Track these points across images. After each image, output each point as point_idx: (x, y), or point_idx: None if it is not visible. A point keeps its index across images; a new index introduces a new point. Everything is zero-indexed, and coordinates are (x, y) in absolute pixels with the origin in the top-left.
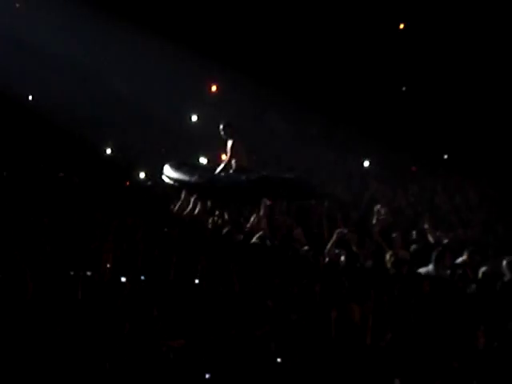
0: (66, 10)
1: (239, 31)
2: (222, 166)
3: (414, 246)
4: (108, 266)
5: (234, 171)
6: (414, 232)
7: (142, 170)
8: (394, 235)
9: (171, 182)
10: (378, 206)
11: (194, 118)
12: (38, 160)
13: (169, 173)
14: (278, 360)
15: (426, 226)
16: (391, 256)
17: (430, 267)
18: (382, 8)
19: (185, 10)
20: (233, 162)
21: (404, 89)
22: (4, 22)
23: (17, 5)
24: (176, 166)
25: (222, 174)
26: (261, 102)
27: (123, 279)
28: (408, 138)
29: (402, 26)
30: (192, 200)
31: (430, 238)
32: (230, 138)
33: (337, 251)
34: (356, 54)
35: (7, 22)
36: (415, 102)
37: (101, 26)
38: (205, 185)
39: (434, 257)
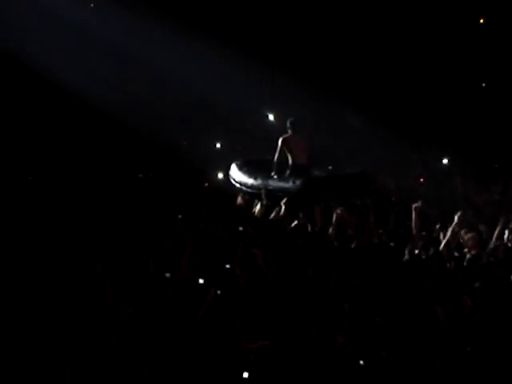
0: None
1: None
2: (274, 165)
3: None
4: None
5: (291, 170)
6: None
7: (220, 171)
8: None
9: (234, 184)
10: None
11: (271, 116)
12: (114, 161)
13: (233, 173)
14: (361, 362)
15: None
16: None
17: None
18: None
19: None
20: (290, 160)
21: (484, 85)
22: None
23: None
24: (240, 166)
25: (275, 176)
26: (338, 99)
27: (201, 281)
28: (488, 136)
29: (481, 20)
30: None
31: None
32: (285, 135)
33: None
34: (435, 51)
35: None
36: (495, 99)
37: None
38: (259, 189)
39: None
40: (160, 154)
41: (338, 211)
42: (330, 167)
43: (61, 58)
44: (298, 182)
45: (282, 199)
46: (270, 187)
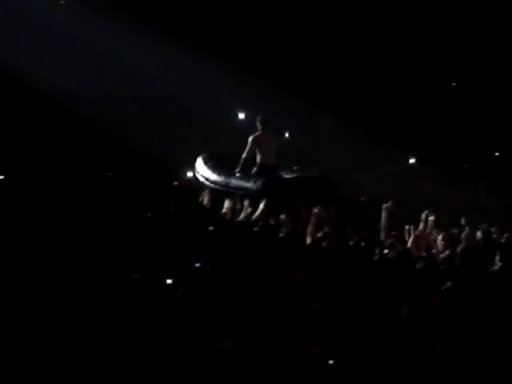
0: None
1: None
2: (240, 162)
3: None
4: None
5: (258, 169)
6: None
7: (189, 169)
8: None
9: (199, 178)
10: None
11: (242, 115)
12: (84, 159)
13: (198, 167)
14: (330, 362)
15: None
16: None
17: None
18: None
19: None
20: (258, 158)
21: (454, 84)
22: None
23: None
24: (205, 160)
25: (238, 174)
26: (307, 100)
27: (169, 281)
28: (459, 136)
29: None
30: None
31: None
32: (256, 132)
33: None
34: (405, 50)
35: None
36: (465, 98)
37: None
38: (220, 185)
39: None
40: (131, 153)
41: (316, 210)
42: (296, 167)
43: (32, 59)
44: (258, 183)
45: (242, 198)
46: (232, 185)
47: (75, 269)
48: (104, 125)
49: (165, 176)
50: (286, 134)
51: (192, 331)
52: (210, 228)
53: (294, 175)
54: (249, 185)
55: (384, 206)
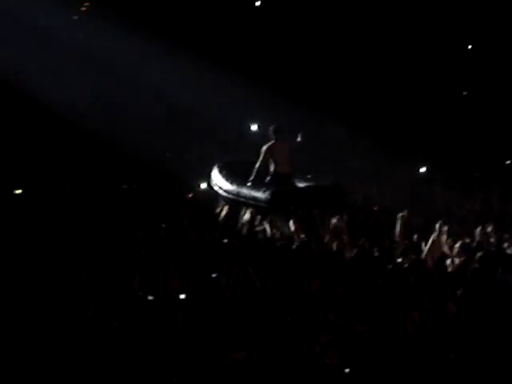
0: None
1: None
2: (253, 172)
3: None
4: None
5: (272, 178)
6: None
7: (203, 181)
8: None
9: (213, 186)
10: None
11: (254, 127)
12: (99, 173)
13: (213, 175)
14: (346, 371)
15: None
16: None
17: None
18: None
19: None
20: (271, 167)
21: (465, 93)
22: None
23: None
24: (220, 169)
25: (249, 184)
26: (319, 111)
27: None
28: (469, 144)
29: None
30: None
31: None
32: (269, 142)
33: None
34: (417, 59)
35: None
36: (476, 107)
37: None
38: (232, 194)
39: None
40: (145, 166)
41: (334, 220)
42: (309, 176)
43: (41, 73)
44: (267, 193)
45: (253, 207)
46: (242, 194)
47: (90, 282)
48: (116, 138)
49: (179, 189)
50: (299, 138)
51: (207, 342)
52: (225, 240)
53: (304, 184)
54: (258, 194)
55: (399, 215)
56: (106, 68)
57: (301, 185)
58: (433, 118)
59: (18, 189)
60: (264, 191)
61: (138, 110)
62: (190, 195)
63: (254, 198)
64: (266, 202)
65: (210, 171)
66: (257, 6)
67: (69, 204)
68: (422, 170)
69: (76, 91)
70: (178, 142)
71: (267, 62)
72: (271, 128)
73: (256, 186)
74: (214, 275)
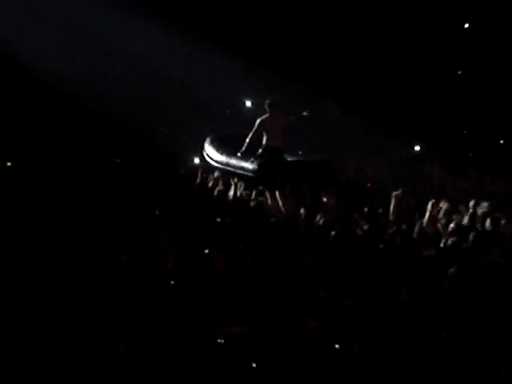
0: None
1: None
2: (245, 143)
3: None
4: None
5: (263, 151)
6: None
7: (195, 155)
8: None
9: (205, 157)
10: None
11: (248, 103)
12: (92, 146)
13: (205, 147)
14: (336, 346)
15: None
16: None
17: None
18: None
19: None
20: (264, 140)
21: (460, 72)
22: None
23: None
24: (211, 140)
25: (239, 154)
26: (313, 89)
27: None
28: (463, 124)
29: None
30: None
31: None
32: (264, 115)
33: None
34: (410, 38)
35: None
36: (470, 87)
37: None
38: (222, 164)
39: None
40: (138, 140)
41: (325, 198)
42: (300, 152)
43: (44, 49)
44: (255, 163)
45: (241, 177)
46: (231, 164)
47: (84, 257)
48: (111, 112)
49: (172, 163)
50: (305, 113)
51: (198, 317)
52: (218, 219)
53: (294, 158)
54: (246, 165)
55: (393, 193)
56: (101, 43)
57: (290, 159)
58: (428, 96)
59: (9, 160)
60: (252, 161)
61: (132, 84)
62: (182, 171)
63: (242, 168)
64: (253, 172)
65: (203, 143)
66: None
67: (61, 175)
68: (416, 148)
69: (70, 65)
70: (171, 116)
71: (265, 40)
72: (266, 101)
73: (245, 156)
74: (206, 251)
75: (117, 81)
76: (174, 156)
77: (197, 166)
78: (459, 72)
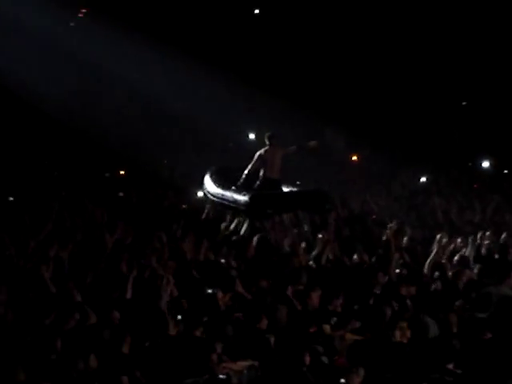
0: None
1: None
2: (243, 176)
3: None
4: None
5: (261, 183)
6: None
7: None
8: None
9: (203, 190)
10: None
11: (252, 135)
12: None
13: (205, 180)
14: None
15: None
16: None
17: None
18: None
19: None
20: (261, 172)
21: (465, 103)
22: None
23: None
24: (211, 173)
25: (234, 187)
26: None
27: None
28: (467, 155)
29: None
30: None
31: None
32: (267, 148)
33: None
34: (415, 69)
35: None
36: (474, 117)
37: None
38: (217, 198)
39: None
40: (141, 172)
41: (321, 236)
42: (298, 182)
43: (37, 74)
44: (247, 196)
45: (234, 210)
46: (225, 197)
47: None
48: (115, 144)
49: (175, 197)
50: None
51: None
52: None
53: (290, 189)
54: (239, 197)
55: (389, 225)
56: (103, 73)
57: (286, 190)
58: (433, 128)
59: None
60: (244, 194)
61: (135, 116)
62: (184, 206)
63: (235, 201)
64: (244, 205)
65: (203, 176)
66: (255, 14)
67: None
68: (423, 179)
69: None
70: (174, 148)
71: (269, 71)
72: (266, 134)
73: (239, 189)
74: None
75: (115, 111)
76: (177, 189)
77: (199, 200)
78: (464, 103)
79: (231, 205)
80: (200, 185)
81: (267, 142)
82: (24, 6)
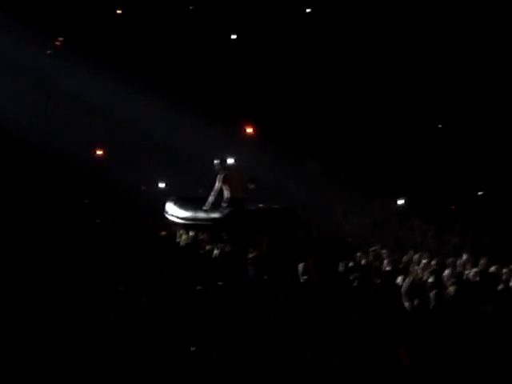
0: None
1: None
2: (209, 199)
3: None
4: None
5: (228, 203)
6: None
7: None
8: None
9: (167, 216)
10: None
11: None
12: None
13: (167, 207)
14: None
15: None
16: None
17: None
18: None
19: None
20: (226, 193)
21: (440, 126)
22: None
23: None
24: (174, 201)
25: (205, 208)
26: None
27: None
28: (444, 176)
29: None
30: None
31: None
32: (222, 172)
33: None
34: (390, 93)
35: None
36: (452, 140)
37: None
38: (188, 220)
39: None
40: (119, 199)
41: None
42: (261, 204)
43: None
44: (224, 212)
45: (209, 228)
46: (200, 217)
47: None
48: (93, 172)
49: (153, 223)
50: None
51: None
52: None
53: (257, 207)
54: (215, 215)
55: (370, 249)
56: (88, 106)
57: (254, 208)
58: (409, 151)
59: None
60: (221, 211)
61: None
62: (164, 233)
63: (212, 220)
64: (223, 220)
65: (164, 205)
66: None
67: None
68: (400, 202)
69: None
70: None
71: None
72: (216, 162)
73: (212, 209)
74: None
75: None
76: (155, 215)
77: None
78: (439, 125)
79: (206, 223)
80: (163, 212)
81: (223, 168)
82: None
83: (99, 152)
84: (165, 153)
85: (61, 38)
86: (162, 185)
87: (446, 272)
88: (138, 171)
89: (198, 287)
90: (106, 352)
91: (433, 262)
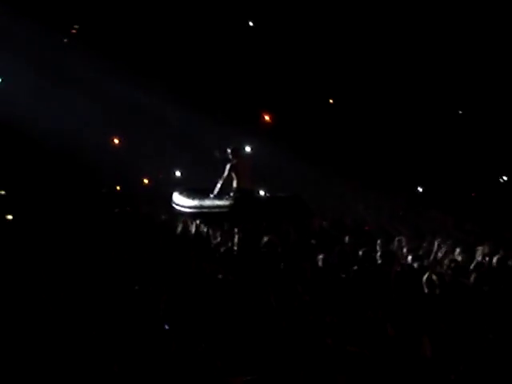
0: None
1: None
2: (217, 188)
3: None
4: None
5: (235, 192)
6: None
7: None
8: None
9: (174, 206)
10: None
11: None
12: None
13: (174, 198)
14: None
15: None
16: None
17: None
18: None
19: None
20: (234, 183)
21: (460, 112)
22: None
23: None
24: (180, 191)
25: (212, 196)
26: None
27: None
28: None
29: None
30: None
31: None
32: (232, 161)
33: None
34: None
35: None
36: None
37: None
38: (195, 208)
39: None
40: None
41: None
42: (268, 194)
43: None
44: (231, 199)
45: (217, 215)
46: (206, 205)
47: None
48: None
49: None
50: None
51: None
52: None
53: (265, 196)
54: (222, 202)
55: (396, 239)
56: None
57: (262, 197)
58: (428, 139)
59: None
60: (227, 198)
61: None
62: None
63: (218, 206)
64: (230, 207)
65: (170, 197)
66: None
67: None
68: (419, 189)
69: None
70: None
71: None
72: (229, 150)
73: (217, 196)
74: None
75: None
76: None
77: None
78: (460, 111)
79: (212, 211)
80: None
81: (234, 157)
82: None
83: (116, 141)
84: (182, 143)
85: (76, 26)
86: (178, 173)
87: (465, 260)
88: (154, 161)
89: (219, 276)
90: (123, 341)
91: (453, 250)
